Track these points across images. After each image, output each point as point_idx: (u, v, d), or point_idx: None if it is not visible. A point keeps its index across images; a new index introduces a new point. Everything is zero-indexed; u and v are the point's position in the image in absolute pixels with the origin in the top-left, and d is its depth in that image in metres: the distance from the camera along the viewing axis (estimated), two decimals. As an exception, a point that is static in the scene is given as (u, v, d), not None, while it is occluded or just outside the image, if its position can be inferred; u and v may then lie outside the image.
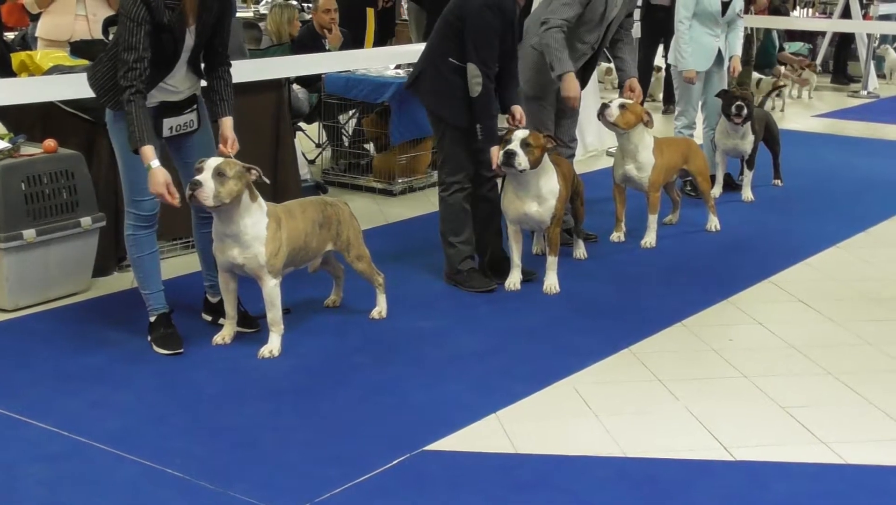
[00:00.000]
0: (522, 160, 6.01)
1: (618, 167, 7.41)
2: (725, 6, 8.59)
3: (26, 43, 8.47)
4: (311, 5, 10.94)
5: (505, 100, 6.35)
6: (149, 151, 4.99)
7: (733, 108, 8.40)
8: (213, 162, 5.07)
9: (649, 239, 7.40)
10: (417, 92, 6.59)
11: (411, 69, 9.06)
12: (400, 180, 8.96)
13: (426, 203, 8.65)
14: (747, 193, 8.82)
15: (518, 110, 6.35)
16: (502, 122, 6.39)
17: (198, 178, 5.01)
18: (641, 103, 7.30)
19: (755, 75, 13.25)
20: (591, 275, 6.78)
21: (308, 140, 9.89)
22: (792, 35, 17.09)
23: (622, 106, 7.16)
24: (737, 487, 4.14)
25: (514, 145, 6.01)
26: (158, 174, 5.00)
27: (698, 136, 8.92)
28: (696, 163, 7.74)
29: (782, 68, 15.25)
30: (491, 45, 6.16)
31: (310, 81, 9.16)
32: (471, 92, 6.16)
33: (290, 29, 9.97)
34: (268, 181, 5.24)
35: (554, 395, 4.99)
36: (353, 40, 10.23)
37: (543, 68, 6.79)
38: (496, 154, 6.09)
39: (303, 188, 8.09)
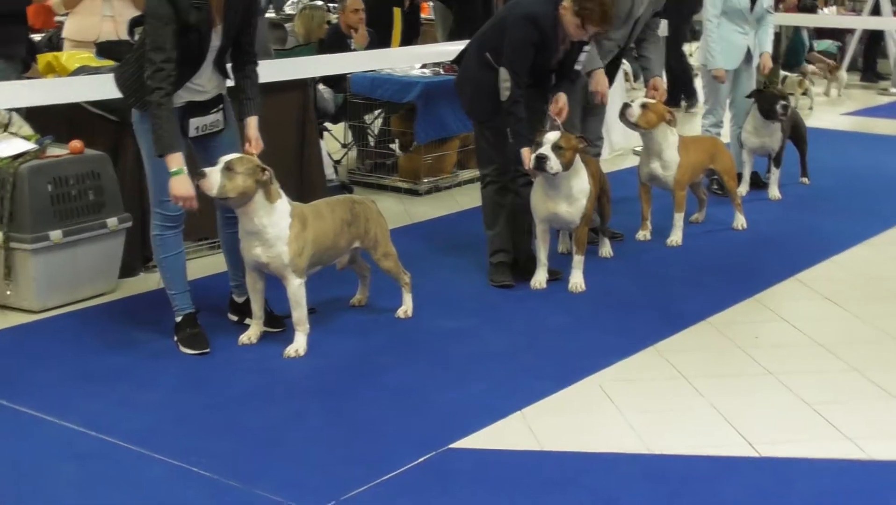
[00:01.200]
0: (554, 164, 5.99)
1: (643, 166, 7.39)
2: (754, 2, 8.52)
3: (53, 44, 8.51)
4: (337, 6, 10.94)
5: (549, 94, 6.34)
6: (177, 157, 5.02)
7: (778, 108, 8.30)
8: (225, 158, 5.11)
9: (675, 237, 7.38)
10: (457, 78, 6.70)
11: (438, 68, 9.16)
12: (425, 180, 8.96)
13: (451, 203, 8.65)
14: (774, 192, 8.77)
15: (561, 97, 6.31)
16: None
17: (205, 169, 5.04)
18: (667, 103, 7.28)
19: (781, 73, 13.19)
20: (617, 273, 6.76)
21: (334, 140, 9.89)
22: (821, 33, 16.99)
23: (643, 105, 7.15)
24: (762, 484, 4.12)
25: (546, 149, 5.99)
26: (184, 181, 5.02)
27: (725, 134, 8.87)
28: (722, 161, 7.72)
29: (810, 67, 15.18)
30: (524, 57, 6.13)
31: (335, 81, 9.17)
32: (500, 95, 6.16)
33: (319, 32, 9.98)
34: (273, 184, 5.23)
35: (579, 392, 4.98)
36: (379, 40, 10.23)
37: None
38: (527, 155, 6.07)
39: (329, 188, 8.10)
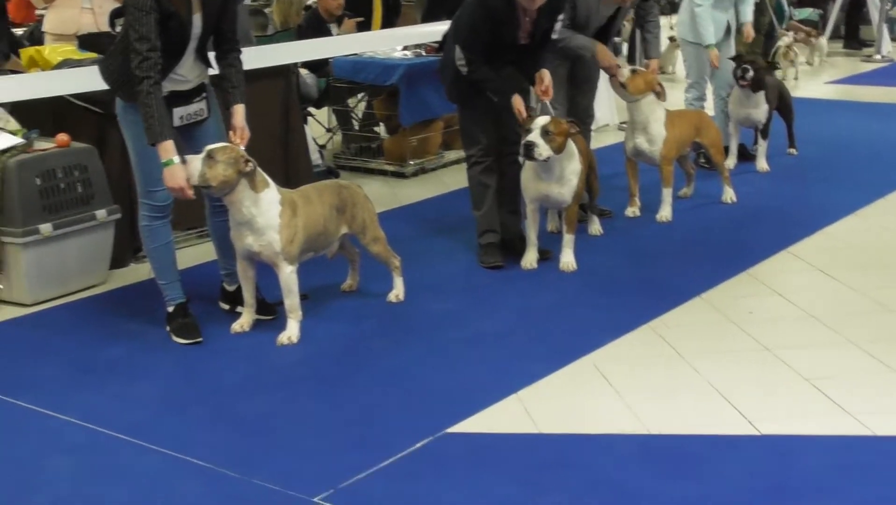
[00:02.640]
0: (543, 150, 5.95)
1: (628, 140, 7.38)
2: None
3: (35, 38, 8.47)
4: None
5: (532, 70, 6.28)
6: (169, 147, 4.98)
7: (738, 71, 8.39)
8: (211, 146, 5.09)
9: (665, 213, 7.37)
10: (439, 67, 6.81)
11: (419, 49, 9.14)
12: (411, 162, 8.94)
13: (438, 184, 8.63)
14: (762, 163, 8.77)
15: (546, 75, 6.26)
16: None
17: (186, 156, 5.03)
18: None
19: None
20: (608, 251, 6.75)
21: (318, 125, 9.87)
22: (802, 0, 16.98)
23: (633, 71, 7.14)
24: (763, 461, 4.11)
25: (535, 135, 5.94)
26: (178, 170, 4.99)
27: (708, 107, 8.87)
28: (708, 135, 7.70)
29: (790, 34, 15.13)
30: (476, 36, 6.16)
31: (318, 66, 9.13)
32: (461, 72, 6.22)
33: (297, 19, 9.93)
34: (258, 174, 5.19)
35: (574, 373, 4.97)
36: (361, 24, 10.18)
37: None
38: (518, 102, 6.07)
39: (315, 173, 8.07)
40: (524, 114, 6.05)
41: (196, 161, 5.02)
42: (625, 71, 7.14)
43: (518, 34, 6.16)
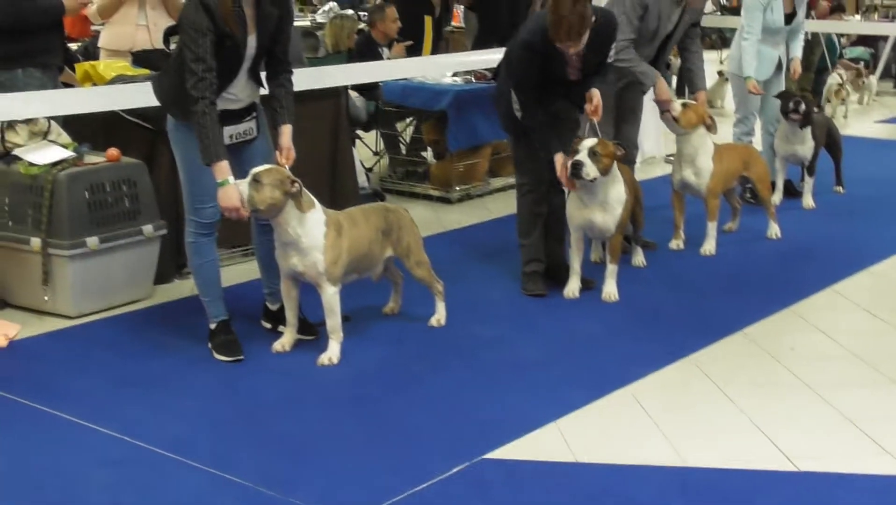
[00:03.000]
0: (591, 170, 5.97)
1: (676, 173, 7.36)
2: (789, 18, 8.51)
3: (90, 53, 8.57)
4: (366, 15, 10.96)
5: (583, 99, 6.29)
6: (223, 167, 5.02)
7: (791, 104, 8.33)
8: (256, 169, 5.11)
9: (709, 246, 7.34)
10: (494, 96, 6.73)
11: (469, 76, 9.18)
12: (457, 188, 8.96)
13: (483, 210, 8.64)
14: (808, 200, 8.72)
15: (595, 94, 6.24)
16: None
17: (233, 182, 5.05)
18: None
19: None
20: (651, 282, 6.74)
21: (366, 148, 9.91)
22: (854, 40, 16.91)
23: (685, 105, 7.14)
24: (801, 499, 4.08)
25: (582, 155, 5.97)
26: (232, 190, 5.03)
27: (757, 143, 8.84)
28: (756, 169, 7.67)
29: (841, 72, 15.08)
30: (526, 80, 6.14)
31: (367, 89, 9.18)
32: (518, 113, 6.25)
33: (348, 42, 10.00)
34: (304, 195, 5.22)
35: (614, 403, 4.96)
36: (410, 49, 10.24)
37: None
38: (560, 161, 6.07)
39: (361, 196, 8.10)
40: (565, 173, 6.07)
41: (243, 186, 5.05)
42: (676, 105, 7.13)
43: (567, 71, 6.17)
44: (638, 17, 6.76)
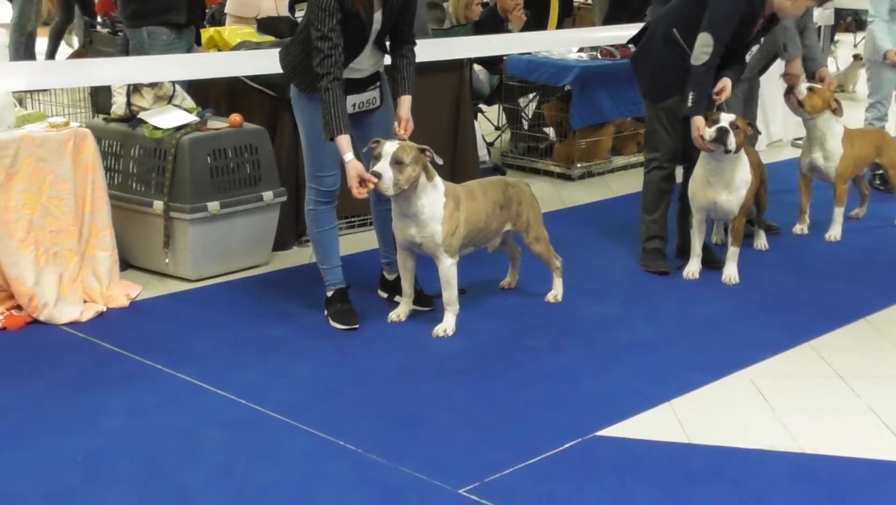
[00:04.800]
0: (733, 140, 5.89)
1: (804, 156, 7.22)
2: None
3: (216, 20, 8.68)
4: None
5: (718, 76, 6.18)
6: (343, 142, 5.04)
7: None
8: (389, 149, 5.07)
9: (834, 232, 7.18)
10: (634, 58, 6.62)
11: (595, 52, 9.06)
12: (579, 165, 8.89)
13: (604, 189, 8.57)
14: (941, 189, 8.48)
15: (727, 82, 6.14)
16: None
17: (377, 168, 5.04)
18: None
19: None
20: (773, 267, 6.61)
21: (488, 122, 9.89)
22: None
23: (810, 89, 6.99)
24: (920, 490, 3.98)
25: (726, 124, 5.91)
26: (351, 168, 5.05)
27: (891, 128, 8.61)
28: (889, 155, 7.46)
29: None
30: (729, 27, 5.99)
31: (491, 63, 9.15)
32: (693, 59, 6.01)
33: (467, 13, 9.95)
34: (440, 161, 5.23)
35: (730, 386, 4.88)
36: (535, 23, 10.17)
37: None
38: (700, 123, 5.95)
39: (481, 170, 8.09)
40: (699, 133, 5.95)
41: (387, 172, 5.03)
42: (802, 88, 6.99)
43: (750, 36, 6.16)
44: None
